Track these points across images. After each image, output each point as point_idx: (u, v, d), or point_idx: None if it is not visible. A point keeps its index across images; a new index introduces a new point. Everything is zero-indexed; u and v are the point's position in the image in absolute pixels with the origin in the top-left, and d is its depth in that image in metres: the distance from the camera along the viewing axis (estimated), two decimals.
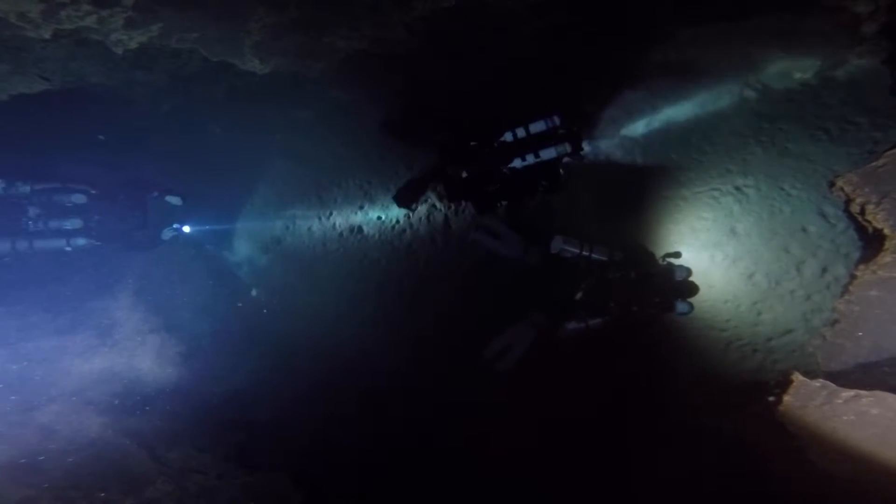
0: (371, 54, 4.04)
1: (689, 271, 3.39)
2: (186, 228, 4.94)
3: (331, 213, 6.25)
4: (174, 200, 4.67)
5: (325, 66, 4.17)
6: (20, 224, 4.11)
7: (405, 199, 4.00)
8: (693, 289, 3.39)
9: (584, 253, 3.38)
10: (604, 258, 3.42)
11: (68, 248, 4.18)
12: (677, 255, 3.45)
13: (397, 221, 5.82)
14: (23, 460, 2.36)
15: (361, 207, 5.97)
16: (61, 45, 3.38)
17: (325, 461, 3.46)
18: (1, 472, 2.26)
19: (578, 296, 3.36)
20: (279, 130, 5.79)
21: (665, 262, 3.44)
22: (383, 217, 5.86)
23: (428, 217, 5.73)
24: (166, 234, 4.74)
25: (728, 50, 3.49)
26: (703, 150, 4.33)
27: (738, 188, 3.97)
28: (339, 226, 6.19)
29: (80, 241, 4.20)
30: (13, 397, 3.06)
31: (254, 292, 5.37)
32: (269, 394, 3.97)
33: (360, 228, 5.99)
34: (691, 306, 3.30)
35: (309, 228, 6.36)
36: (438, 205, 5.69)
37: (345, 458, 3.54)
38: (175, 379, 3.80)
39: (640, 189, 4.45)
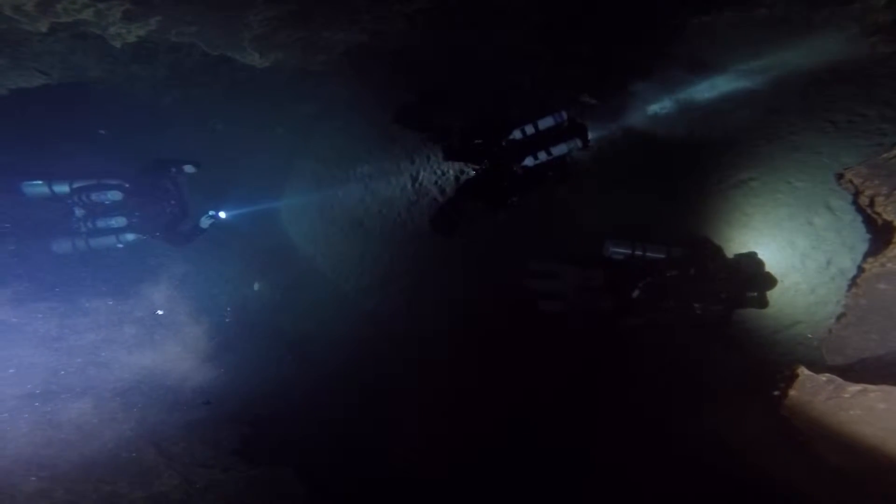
0: (372, 47, 4.00)
1: (760, 264, 3.20)
2: (223, 214, 4.74)
3: (332, 207, 6.23)
4: (189, 169, 4.57)
5: (326, 60, 4.12)
6: (72, 225, 4.16)
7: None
8: (769, 281, 3.16)
9: (638, 253, 3.28)
10: (660, 256, 3.31)
11: (120, 245, 4.24)
12: (752, 255, 3.32)
13: (399, 215, 5.79)
14: (40, 453, 2.41)
15: (363, 201, 5.94)
16: (59, 39, 3.34)
17: (328, 455, 3.48)
18: (19, 464, 2.31)
19: (636, 294, 3.27)
20: (280, 124, 5.75)
21: (733, 258, 3.27)
22: (384, 211, 5.83)
23: (430, 211, 5.70)
24: (204, 223, 4.66)
25: (736, 40, 3.43)
26: (708, 142, 4.28)
27: (742, 181, 3.93)
28: (341, 220, 6.17)
29: (130, 237, 4.26)
30: (42, 391, 3.07)
31: (256, 286, 5.37)
32: (273, 389, 3.98)
33: (361, 222, 5.97)
34: (765, 300, 3.12)
35: (310, 223, 6.34)
36: (440, 199, 5.66)
37: (348, 451, 3.56)
38: (183, 374, 3.81)
39: (642, 182, 4.41)
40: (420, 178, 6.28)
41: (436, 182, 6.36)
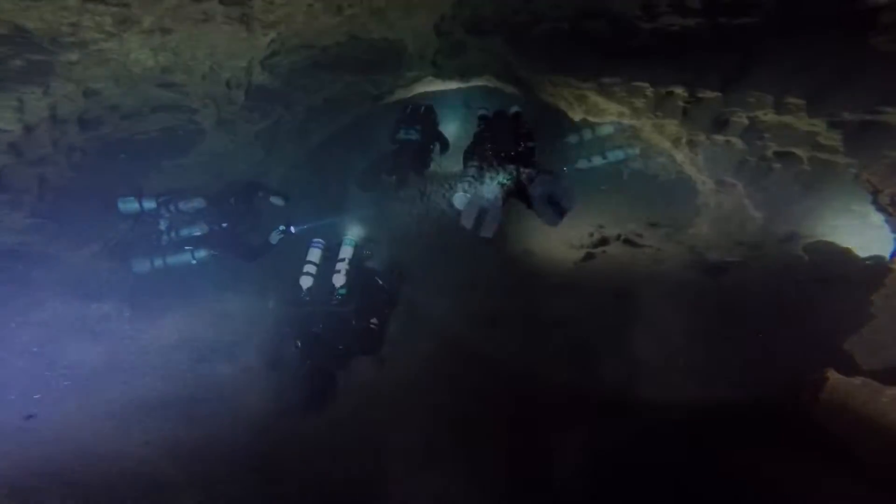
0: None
1: None
2: (293, 229, 4.78)
3: (345, 231, 6.28)
4: (277, 201, 4.68)
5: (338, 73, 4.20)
6: (155, 240, 4.29)
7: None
8: None
9: None
10: None
11: (194, 262, 4.35)
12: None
13: (408, 229, 5.83)
14: (66, 471, 2.41)
15: (374, 216, 5.99)
16: (85, 67, 3.48)
17: (345, 473, 3.40)
18: (44, 479, 2.32)
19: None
20: (292, 145, 5.85)
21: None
22: (394, 224, 5.87)
23: (439, 231, 5.70)
24: (274, 238, 4.71)
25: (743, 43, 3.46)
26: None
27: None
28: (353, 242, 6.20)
29: (202, 254, 4.36)
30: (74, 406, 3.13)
31: (270, 305, 5.38)
32: (292, 405, 3.94)
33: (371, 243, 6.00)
34: None
35: (324, 246, 6.39)
36: (448, 212, 5.68)
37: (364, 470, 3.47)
38: (202, 390, 3.79)
39: (654, 190, 4.39)
40: (427, 191, 6.32)
41: (444, 195, 6.40)
